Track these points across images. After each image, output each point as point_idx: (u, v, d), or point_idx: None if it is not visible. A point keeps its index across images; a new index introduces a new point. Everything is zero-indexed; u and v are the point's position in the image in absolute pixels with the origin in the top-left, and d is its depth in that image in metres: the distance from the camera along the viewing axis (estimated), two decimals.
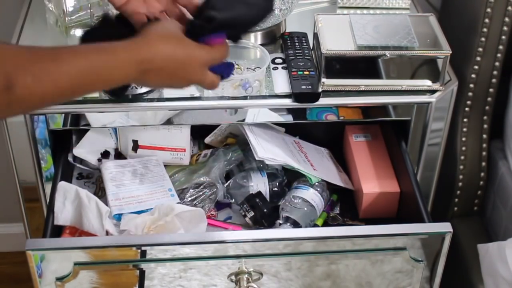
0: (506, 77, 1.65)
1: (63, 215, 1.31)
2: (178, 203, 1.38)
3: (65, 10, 1.51)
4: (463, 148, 1.68)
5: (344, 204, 1.52)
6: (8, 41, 1.44)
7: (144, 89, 1.37)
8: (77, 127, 1.39)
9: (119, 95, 1.32)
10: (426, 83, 1.41)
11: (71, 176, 1.49)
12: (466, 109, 1.64)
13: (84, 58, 1.04)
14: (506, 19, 1.55)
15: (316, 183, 1.46)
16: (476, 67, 1.60)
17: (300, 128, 1.52)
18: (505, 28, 1.56)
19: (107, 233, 1.29)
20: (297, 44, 1.48)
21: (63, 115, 1.38)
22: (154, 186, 1.41)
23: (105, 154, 1.49)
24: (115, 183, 1.39)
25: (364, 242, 1.23)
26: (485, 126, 1.67)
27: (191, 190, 1.44)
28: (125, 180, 1.40)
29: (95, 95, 1.38)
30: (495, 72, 1.60)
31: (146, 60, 1.08)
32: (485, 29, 1.56)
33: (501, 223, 1.65)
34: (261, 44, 1.48)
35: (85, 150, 1.46)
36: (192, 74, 1.14)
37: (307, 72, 1.41)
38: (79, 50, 1.06)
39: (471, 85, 1.61)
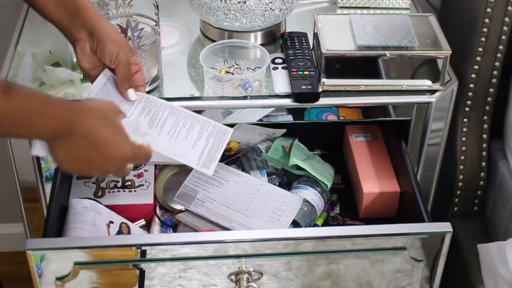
0: (506, 77, 1.65)
1: None
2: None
3: None
4: (463, 148, 1.68)
5: (344, 204, 1.52)
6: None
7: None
8: None
9: None
10: (426, 83, 1.41)
11: (71, 176, 1.49)
12: (466, 109, 1.64)
13: (19, 95, 1.05)
14: (506, 19, 1.55)
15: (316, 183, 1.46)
16: (476, 67, 1.60)
17: (300, 128, 1.52)
18: (505, 28, 1.56)
19: None
20: (297, 44, 1.48)
21: None
22: None
23: None
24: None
25: (364, 242, 1.23)
26: (485, 126, 1.67)
27: None
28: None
29: None
30: (495, 72, 1.60)
31: (75, 119, 1.09)
32: (485, 29, 1.56)
33: (501, 223, 1.65)
34: (261, 44, 1.48)
35: None
36: (111, 160, 1.14)
37: (307, 72, 1.41)
38: (14, 87, 1.06)
39: (471, 85, 1.61)
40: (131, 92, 1.27)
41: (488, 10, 1.54)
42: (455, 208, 1.75)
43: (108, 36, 1.22)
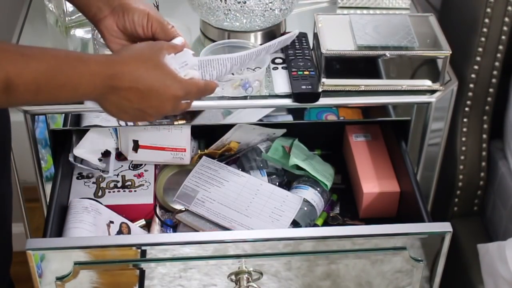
0: (506, 77, 1.65)
1: None
2: None
3: (65, 10, 1.51)
4: (463, 148, 1.68)
5: (344, 204, 1.52)
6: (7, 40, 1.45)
7: None
8: (77, 127, 1.40)
9: None
10: (426, 83, 1.41)
11: (71, 176, 1.49)
12: (466, 109, 1.64)
13: (54, 58, 1.03)
14: (506, 19, 1.55)
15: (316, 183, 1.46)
16: (476, 67, 1.60)
17: (300, 128, 1.52)
18: (505, 28, 1.56)
19: None
20: (297, 44, 1.48)
21: (63, 115, 1.38)
22: None
23: (106, 154, 1.49)
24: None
25: (364, 242, 1.23)
26: (485, 126, 1.67)
27: None
28: None
29: None
30: (495, 72, 1.60)
31: (116, 75, 1.06)
32: (485, 29, 1.56)
33: (501, 223, 1.65)
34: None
35: (86, 150, 1.46)
36: (163, 104, 1.10)
37: (307, 72, 1.41)
38: (50, 51, 1.05)
39: (471, 85, 1.61)
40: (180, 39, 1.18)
41: (488, 10, 1.54)
42: (455, 208, 1.75)
43: (131, 5, 1.17)
